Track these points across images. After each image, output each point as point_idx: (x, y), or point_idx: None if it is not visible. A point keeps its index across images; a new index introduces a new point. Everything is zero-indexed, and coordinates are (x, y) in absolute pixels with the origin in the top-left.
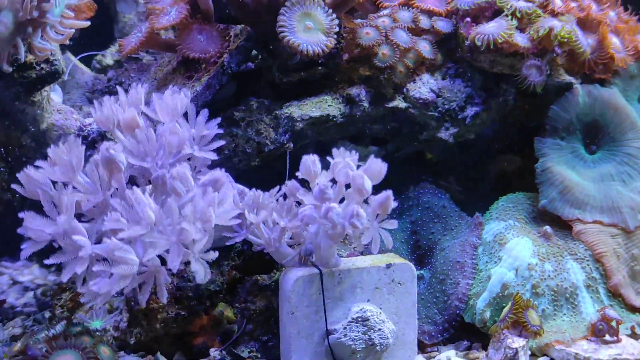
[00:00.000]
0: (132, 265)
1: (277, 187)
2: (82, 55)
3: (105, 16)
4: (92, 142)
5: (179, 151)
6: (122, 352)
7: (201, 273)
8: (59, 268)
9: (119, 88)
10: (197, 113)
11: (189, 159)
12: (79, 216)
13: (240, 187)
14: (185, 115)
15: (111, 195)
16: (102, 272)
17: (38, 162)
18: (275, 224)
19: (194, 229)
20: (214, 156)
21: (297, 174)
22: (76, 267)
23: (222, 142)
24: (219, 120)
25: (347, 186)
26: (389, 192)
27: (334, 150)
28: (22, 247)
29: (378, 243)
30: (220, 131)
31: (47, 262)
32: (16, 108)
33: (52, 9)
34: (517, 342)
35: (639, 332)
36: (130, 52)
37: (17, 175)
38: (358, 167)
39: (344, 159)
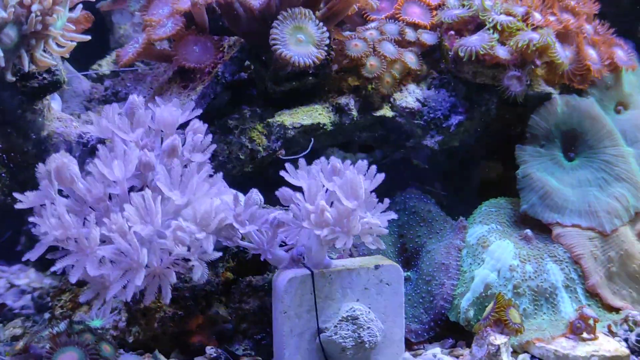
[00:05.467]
0: (142, 269)
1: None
2: (84, 73)
3: (102, 27)
4: (91, 149)
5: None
6: (121, 350)
7: (198, 273)
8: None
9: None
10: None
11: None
12: None
13: (234, 192)
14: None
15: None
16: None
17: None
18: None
19: (196, 231)
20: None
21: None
22: (88, 268)
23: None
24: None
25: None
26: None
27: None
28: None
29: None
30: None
31: (53, 268)
32: (19, 116)
33: (54, 23)
34: (499, 339)
35: (615, 330)
36: (128, 62)
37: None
38: None
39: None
